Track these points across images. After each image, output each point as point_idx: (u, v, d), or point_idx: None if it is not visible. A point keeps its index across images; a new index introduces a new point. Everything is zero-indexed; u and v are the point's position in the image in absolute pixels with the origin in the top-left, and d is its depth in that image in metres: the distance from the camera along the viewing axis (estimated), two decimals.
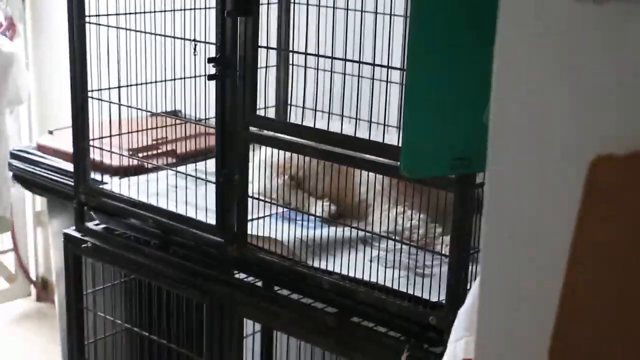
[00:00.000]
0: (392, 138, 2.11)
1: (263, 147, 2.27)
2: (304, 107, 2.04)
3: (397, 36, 2.22)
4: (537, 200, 0.77)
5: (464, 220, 1.75)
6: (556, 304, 0.74)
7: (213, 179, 2.16)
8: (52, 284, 4.12)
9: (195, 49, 2.04)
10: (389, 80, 2.19)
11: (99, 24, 2.28)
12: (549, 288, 0.75)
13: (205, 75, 2.24)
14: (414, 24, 1.47)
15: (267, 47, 2.00)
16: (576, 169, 0.70)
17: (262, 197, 2.20)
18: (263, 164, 2.26)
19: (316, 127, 1.96)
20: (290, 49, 2.25)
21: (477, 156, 1.60)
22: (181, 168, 2.44)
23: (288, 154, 2.21)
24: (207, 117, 2.38)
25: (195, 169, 2.43)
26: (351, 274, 1.94)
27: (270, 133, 1.99)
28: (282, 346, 2.71)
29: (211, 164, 2.36)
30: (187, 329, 2.38)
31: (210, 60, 1.99)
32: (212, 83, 2.19)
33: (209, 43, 2.06)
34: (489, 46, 1.51)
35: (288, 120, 2.04)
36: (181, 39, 2.16)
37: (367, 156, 1.88)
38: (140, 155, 2.55)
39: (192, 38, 2.04)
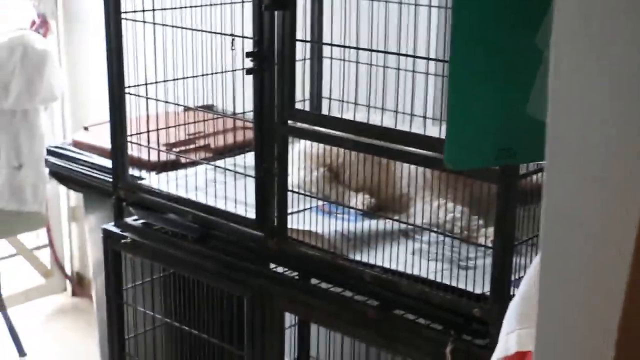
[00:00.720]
0: (432, 130, 2.10)
1: (300, 140, 2.26)
2: (342, 100, 2.03)
3: (433, 27, 2.21)
4: (598, 193, 0.76)
5: (508, 211, 1.74)
6: (622, 297, 0.72)
7: (252, 173, 2.15)
8: (87, 279, 4.15)
9: (233, 44, 2.03)
10: (428, 72, 2.18)
11: (135, 20, 2.28)
12: (613, 280, 0.73)
13: (242, 69, 2.23)
14: (457, 15, 1.46)
15: (304, 41, 1.99)
16: (637, 162, 0.69)
17: (300, 190, 2.20)
18: (300, 156, 2.25)
19: (356, 119, 1.95)
20: (326, 41, 2.24)
21: (521, 147, 1.57)
22: (219, 162, 2.43)
23: (326, 145, 2.19)
24: (244, 110, 2.38)
25: (234, 164, 2.43)
26: (393, 267, 1.93)
27: (310, 126, 1.98)
28: (320, 339, 2.70)
29: (250, 157, 2.36)
30: (226, 323, 2.39)
31: (248, 54, 1.98)
32: (248, 77, 2.20)
33: (246, 37, 2.05)
34: (532, 35, 1.50)
35: (326, 113, 2.02)
36: (218, 33, 2.16)
37: (409, 148, 1.86)
38: (176, 150, 2.55)
39: (230, 33, 2.03)
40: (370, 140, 1.90)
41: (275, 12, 1.96)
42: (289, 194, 2.08)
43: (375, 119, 2.00)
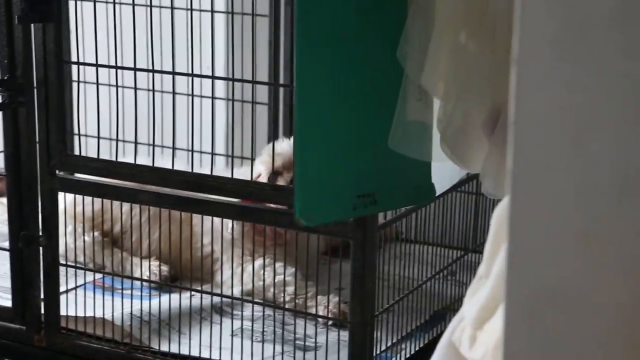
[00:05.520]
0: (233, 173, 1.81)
1: (60, 194, 1.83)
2: (120, 140, 1.63)
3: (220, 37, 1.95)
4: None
5: (367, 274, 1.51)
6: None
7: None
8: None
9: None
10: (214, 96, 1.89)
11: None
12: None
13: None
14: (300, 37, 1.27)
15: (78, 63, 1.58)
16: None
17: (63, 262, 1.77)
18: (62, 215, 1.81)
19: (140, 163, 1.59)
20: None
21: (383, 191, 1.43)
22: None
23: (97, 202, 1.79)
24: None
25: None
26: (214, 357, 1.63)
27: (90, 177, 1.60)
28: None
29: None
30: None
31: None
32: None
33: None
34: (390, 52, 1.27)
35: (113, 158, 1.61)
36: None
37: (225, 199, 1.58)
38: None
39: None
40: (177, 191, 1.57)
41: (32, 26, 1.56)
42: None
43: (165, 163, 1.68)
